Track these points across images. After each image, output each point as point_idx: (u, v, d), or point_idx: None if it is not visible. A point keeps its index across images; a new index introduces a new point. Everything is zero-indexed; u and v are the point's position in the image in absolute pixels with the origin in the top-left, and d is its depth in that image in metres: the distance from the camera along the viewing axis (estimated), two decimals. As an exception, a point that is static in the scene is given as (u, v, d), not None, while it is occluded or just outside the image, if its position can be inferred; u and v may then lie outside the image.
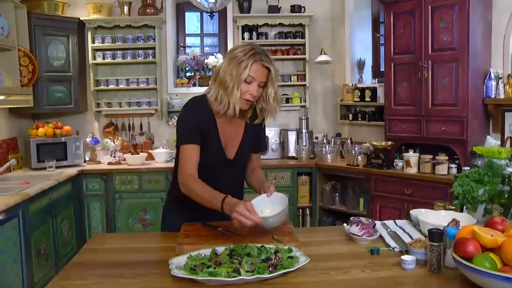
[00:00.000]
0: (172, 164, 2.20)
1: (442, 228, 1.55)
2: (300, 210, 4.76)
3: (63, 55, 4.59)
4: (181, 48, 5.28)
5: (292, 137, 4.92)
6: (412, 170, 3.87)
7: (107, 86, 4.91)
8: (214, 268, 1.44)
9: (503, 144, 3.76)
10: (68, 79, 4.64)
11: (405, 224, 2.04)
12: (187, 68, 5.15)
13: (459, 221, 1.63)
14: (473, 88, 3.67)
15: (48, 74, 4.48)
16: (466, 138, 3.66)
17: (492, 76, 3.73)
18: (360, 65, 4.97)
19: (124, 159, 4.71)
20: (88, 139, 4.79)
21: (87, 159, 4.80)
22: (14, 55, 3.87)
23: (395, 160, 4.04)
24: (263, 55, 1.92)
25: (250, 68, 1.88)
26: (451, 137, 3.73)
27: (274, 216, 1.76)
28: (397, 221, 2.09)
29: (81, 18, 4.73)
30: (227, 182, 2.05)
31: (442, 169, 3.71)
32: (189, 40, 5.42)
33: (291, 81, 5.10)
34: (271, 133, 4.90)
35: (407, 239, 1.78)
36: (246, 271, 1.42)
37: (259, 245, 1.61)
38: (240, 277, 1.39)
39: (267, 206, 1.88)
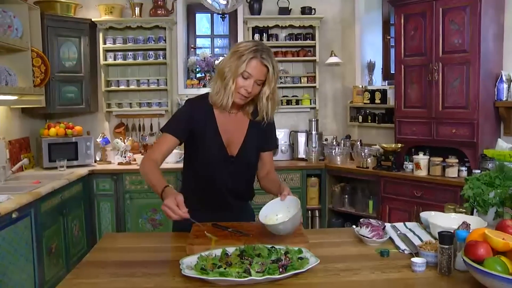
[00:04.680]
0: (182, 165, 2.21)
1: (452, 231, 1.55)
2: (310, 211, 4.76)
3: (75, 55, 4.63)
4: (192, 49, 5.30)
5: (301, 138, 4.92)
6: (422, 173, 3.85)
7: (118, 86, 4.95)
8: (225, 268, 1.45)
9: (514, 147, 3.73)
10: (80, 79, 4.69)
11: (415, 226, 2.04)
12: (197, 69, 5.17)
13: (469, 224, 1.63)
14: (484, 91, 3.65)
15: (60, 74, 4.53)
16: (476, 141, 3.64)
17: (504, 78, 3.71)
18: (370, 67, 4.95)
19: (134, 159, 4.74)
20: (98, 139, 4.83)
21: (97, 159, 4.85)
22: (27, 56, 3.92)
23: (405, 163, 4.03)
24: (265, 53, 1.91)
25: (248, 63, 1.89)
26: (462, 139, 3.71)
27: (284, 223, 1.72)
28: (407, 223, 2.09)
29: (92, 19, 4.77)
30: (231, 181, 2.06)
31: (452, 172, 3.70)
32: (199, 42, 5.44)
33: (301, 82, 5.11)
34: (281, 135, 4.90)
35: (417, 242, 1.78)
36: (257, 272, 1.43)
37: (269, 246, 1.61)
38: (251, 277, 1.40)
39: (283, 210, 1.85)
